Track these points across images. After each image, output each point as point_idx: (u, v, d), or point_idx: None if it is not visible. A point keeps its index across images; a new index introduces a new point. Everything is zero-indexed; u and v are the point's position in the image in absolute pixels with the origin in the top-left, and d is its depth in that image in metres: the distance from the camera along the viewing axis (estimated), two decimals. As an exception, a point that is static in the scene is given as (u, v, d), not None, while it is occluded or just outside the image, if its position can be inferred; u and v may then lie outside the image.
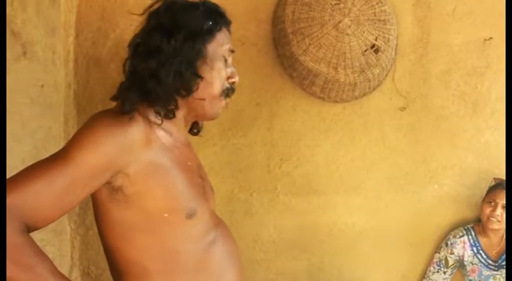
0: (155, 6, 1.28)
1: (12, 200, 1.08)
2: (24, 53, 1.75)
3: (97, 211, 1.25)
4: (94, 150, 1.15)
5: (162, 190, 1.22)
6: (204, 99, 1.28)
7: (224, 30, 1.31)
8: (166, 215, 1.22)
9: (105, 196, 1.20)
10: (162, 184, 1.22)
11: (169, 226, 1.23)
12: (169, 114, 1.24)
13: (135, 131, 1.18)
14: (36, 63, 1.80)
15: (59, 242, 1.90)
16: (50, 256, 1.82)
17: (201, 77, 1.24)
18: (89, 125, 1.18)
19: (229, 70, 1.32)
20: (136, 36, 1.27)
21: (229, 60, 1.33)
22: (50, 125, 1.85)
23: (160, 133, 1.24)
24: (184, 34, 1.23)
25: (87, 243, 2.02)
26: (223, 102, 1.32)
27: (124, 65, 1.26)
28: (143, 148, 1.19)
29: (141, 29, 1.28)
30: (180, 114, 1.29)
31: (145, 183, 1.20)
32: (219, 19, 1.30)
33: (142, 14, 1.28)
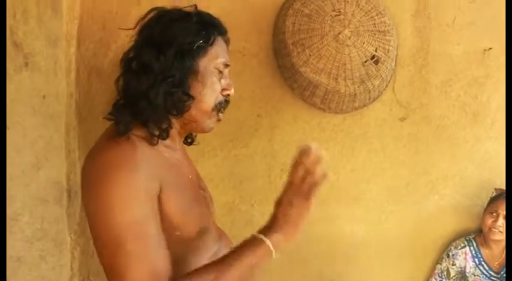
0: (148, 17, 1.25)
1: None
2: (26, 64, 1.76)
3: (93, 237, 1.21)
4: (131, 196, 1.12)
5: (174, 207, 1.20)
6: (196, 116, 1.25)
7: (219, 42, 1.27)
8: (178, 233, 1.19)
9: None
10: (173, 201, 1.20)
11: (181, 243, 1.21)
12: (163, 135, 1.22)
13: (142, 160, 1.16)
14: (38, 73, 1.81)
15: (59, 253, 1.89)
16: (49, 266, 1.83)
17: (192, 97, 1.21)
18: (104, 181, 1.13)
19: (223, 82, 1.28)
20: (128, 51, 1.24)
21: (225, 71, 1.28)
22: (51, 135, 1.85)
23: (161, 149, 1.23)
24: (175, 50, 1.19)
25: (87, 253, 2.01)
26: (216, 117, 1.29)
27: (117, 81, 1.24)
28: (153, 168, 1.17)
29: (133, 43, 1.25)
30: (174, 127, 1.27)
31: (160, 202, 1.18)
32: (212, 31, 1.25)
33: (136, 25, 1.25)
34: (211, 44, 1.24)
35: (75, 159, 1.97)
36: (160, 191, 1.17)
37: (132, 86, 1.20)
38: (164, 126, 1.22)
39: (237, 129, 2.15)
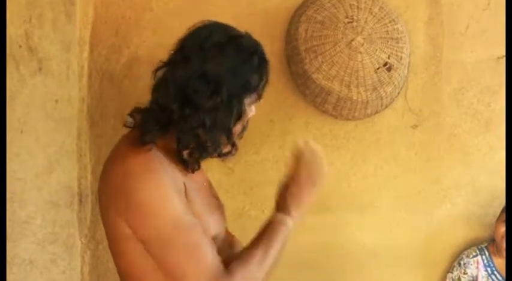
0: (202, 37, 1.19)
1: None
2: (40, 69, 1.78)
3: (117, 243, 1.22)
4: (167, 195, 1.14)
5: (195, 211, 1.21)
6: None
7: None
8: None
9: (123, 229, 1.18)
10: (194, 205, 1.21)
11: None
12: (195, 167, 1.25)
13: (166, 164, 1.18)
14: (51, 78, 1.82)
15: (69, 257, 1.90)
16: (60, 269, 1.84)
17: (234, 143, 1.25)
18: (136, 187, 1.14)
19: (252, 109, 1.29)
20: (179, 74, 1.18)
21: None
22: (63, 139, 1.87)
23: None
24: (228, 93, 1.16)
25: (98, 257, 2.02)
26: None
27: (154, 90, 1.22)
28: (176, 172, 1.20)
29: (185, 63, 1.18)
30: None
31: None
32: (266, 72, 1.24)
33: (183, 41, 1.22)
34: (261, 88, 1.25)
35: (86, 163, 1.99)
36: (185, 192, 1.18)
37: (176, 117, 1.18)
38: (197, 155, 1.24)
39: (249, 135, 2.12)
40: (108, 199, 1.20)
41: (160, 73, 1.23)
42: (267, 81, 1.26)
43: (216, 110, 1.17)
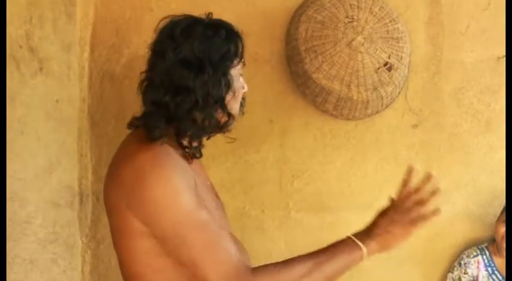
0: (168, 31, 1.24)
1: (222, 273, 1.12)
2: (41, 69, 1.78)
3: (122, 240, 1.23)
4: (181, 191, 1.14)
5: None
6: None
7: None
8: None
9: (136, 226, 1.18)
10: (204, 201, 1.21)
11: None
12: (197, 154, 1.25)
13: (177, 160, 1.19)
14: (52, 78, 1.82)
15: (70, 256, 1.91)
16: (61, 269, 1.84)
17: (232, 115, 1.24)
18: (149, 183, 1.14)
19: (241, 81, 1.30)
20: (157, 69, 1.22)
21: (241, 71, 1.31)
22: (64, 139, 1.87)
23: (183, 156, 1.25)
24: (213, 68, 1.19)
25: (98, 257, 2.02)
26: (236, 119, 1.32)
27: (144, 93, 1.24)
28: (186, 168, 1.20)
29: (161, 59, 1.22)
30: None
31: None
32: (238, 40, 1.26)
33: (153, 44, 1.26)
34: (240, 55, 1.26)
35: (87, 163, 1.99)
36: (196, 188, 1.19)
37: (171, 107, 1.20)
38: (195, 144, 1.25)
39: (249, 135, 2.15)
40: (119, 196, 1.20)
41: (144, 82, 1.27)
42: (242, 47, 1.28)
43: (206, 86, 1.19)
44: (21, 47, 1.70)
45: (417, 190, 1.29)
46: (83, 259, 1.98)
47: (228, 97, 1.24)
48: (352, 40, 2.04)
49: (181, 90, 1.19)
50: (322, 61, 2.03)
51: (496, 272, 2.24)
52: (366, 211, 2.25)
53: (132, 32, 2.03)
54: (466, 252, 2.27)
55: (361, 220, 2.25)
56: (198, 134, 1.23)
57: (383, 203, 2.24)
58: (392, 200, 1.31)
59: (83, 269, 1.98)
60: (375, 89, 2.07)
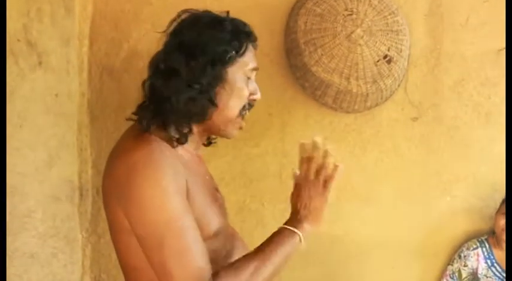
0: (180, 20, 1.25)
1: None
2: (40, 63, 1.78)
3: (117, 234, 1.23)
4: (167, 194, 1.14)
5: (197, 207, 1.21)
6: (219, 123, 1.27)
7: (249, 49, 1.27)
8: (199, 233, 1.19)
9: (125, 222, 1.18)
10: (196, 200, 1.21)
11: None
12: (182, 139, 1.23)
13: (169, 159, 1.18)
14: (51, 72, 1.82)
15: (71, 250, 1.91)
16: (61, 263, 1.84)
17: (216, 105, 1.22)
18: (136, 182, 1.15)
19: (251, 87, 1.29)
20: (158, 53, 1.24)
21: (253, 76, 1.29)
22: (64, 133, 1.87)
23: (180, 151, 1.24)
24: (206, 58, 1.19)
25: (99, 251, 2.02)
26: (240, 123, 1.31)
27: (143, 83, 1.24)
28: (178, 167, 1.19)
29: (163, 46, 1.25)
30: (195, 130, 1.28)
31: (188, 200, 1.19)
32: (244, 40, 1.25)
33: (166, 29, 1.25)
34: (243, 54, 1.25)
35: (87, 157, 1.99)
36: (187, 189, 1.18)
37: (158, 89, 1.21)
38: (184, 130, 1.23)
39: (249, 128, 2.13)
40: (111, 191, 1.21)
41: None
42: (253, 50, 1.28)
43: (192, 71, 1.19)
44: (19, 40, 1.70)
45: (310, 159, 1.37)
46: (83, 253, 1.98)
47: (220, 90, 1.22)
48: (352, 33, 2.03)
49: (171, 72, 1.20)
50: (322, 54, 2.02)
51: (495, 264, 2.24)
52: (366, 204, 2.28)
53: (132, 25, 2.03)
54: (466, 244, 2.27)
55: (361, 213, 2.28)
56: (181, 120, 1.22)
57: (383, 195, 2.26)
58: (295, 176, 1.39)
59: (83, 263, 1.98)
60: (375, 81, 2.06)
